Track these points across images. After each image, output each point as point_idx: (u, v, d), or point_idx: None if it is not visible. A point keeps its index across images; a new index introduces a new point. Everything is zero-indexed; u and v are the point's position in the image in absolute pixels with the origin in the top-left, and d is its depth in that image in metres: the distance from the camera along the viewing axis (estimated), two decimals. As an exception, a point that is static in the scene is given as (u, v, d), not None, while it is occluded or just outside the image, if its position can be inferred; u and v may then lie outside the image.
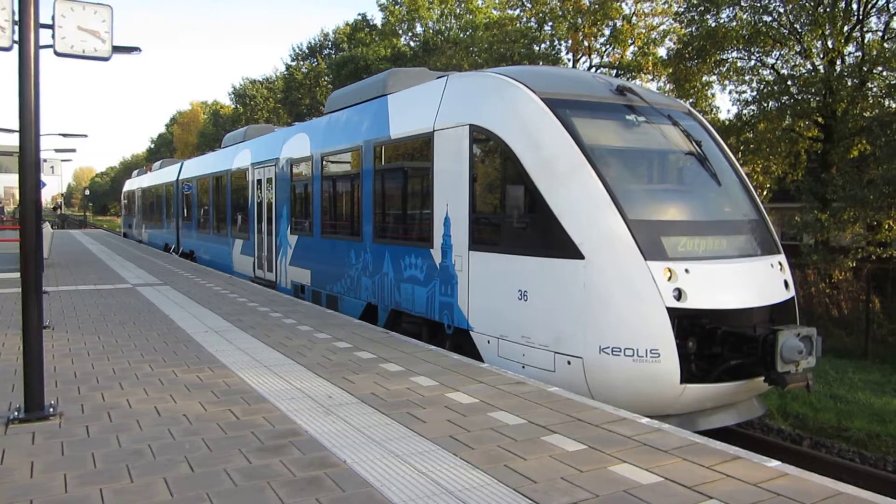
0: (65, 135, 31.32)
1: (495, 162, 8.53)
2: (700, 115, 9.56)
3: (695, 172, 8.41)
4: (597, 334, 7.02)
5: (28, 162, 5.44)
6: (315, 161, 13.32)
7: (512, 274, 7.90)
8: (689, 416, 7.23)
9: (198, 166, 23.93)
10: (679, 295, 6.91)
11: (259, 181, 16.62)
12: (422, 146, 9.75)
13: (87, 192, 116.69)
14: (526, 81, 8.39)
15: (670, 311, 6.84)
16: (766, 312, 7.57)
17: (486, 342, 8.34)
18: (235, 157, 18.93)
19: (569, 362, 7.22)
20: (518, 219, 7.66)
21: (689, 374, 6.91)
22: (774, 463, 4.68)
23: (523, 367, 7.66)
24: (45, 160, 22.23)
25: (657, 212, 7.76)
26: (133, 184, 39.64)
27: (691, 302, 6.93)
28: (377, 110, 11.23)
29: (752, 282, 7.58)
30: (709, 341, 7.12)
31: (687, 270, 7.04)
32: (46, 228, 20.40)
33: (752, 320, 7.37)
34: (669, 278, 6.94)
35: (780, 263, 8.09)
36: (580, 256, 7.17)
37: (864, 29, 22.63)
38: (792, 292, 8.03)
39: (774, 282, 7.82)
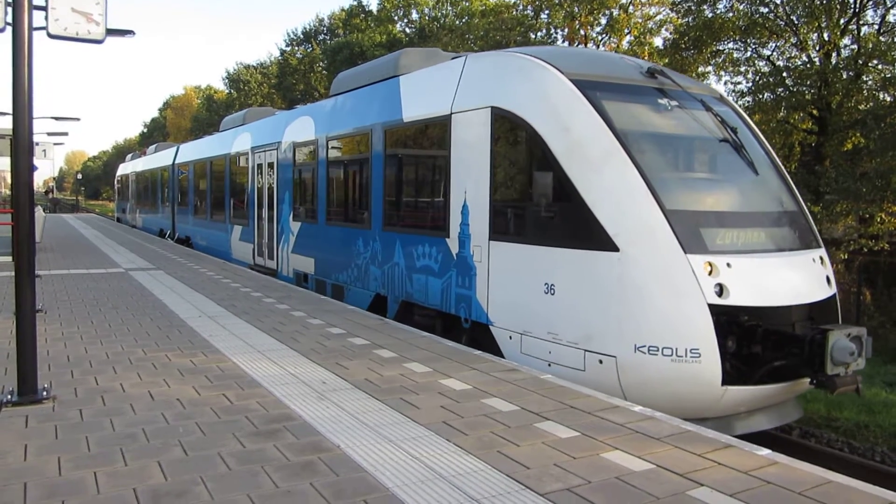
0: (57, 118, 31.13)
1: (520, 147, 8.01)
2: (732, 101, 9.06)
3: (732, 161, 7.95)
4: (632, 332, 6.60)
5: (21, 145, 5.42)
6: (320, 145, 12.84)
7: (537, 266, 7.45)
8: (727, 420, 6.85)
9: (195, 150, 23.41)
10: (720, 291, 6.51)
11: (259, 166, 16.15)
12: (437, 130, 9.31)
13: (80, 177, 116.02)
14: (553, 62, 7.91)
15: (712, 307, 6.43)
16: (808, 310, 7.16)
17: (507, 338, 7.90)
18: (234, 140, 18.44)
19: (600, 361, 6.80)
20: (545, 207, 7.20)
21: (731, 375, 6.50)
22: (765, 451, 4.72)
23: (549, 364, 7.24)
24: (37, 144, 22.08)
25: (695, 202, 7.34)
26: (127, 168, 38.98)
27: (733, 298, 6.53)
28: (388, 92, 10.70)
29: (794, 277, 7.18)
30: (751, 341, 6.69)
31: (728, 265, 6.64)
32: (38, 212, 20.34)
33: (794, 318, 7.00)
34: (710, 273, 6.55)
35: (822, 258, 7.69)
36: (614, 248, 6.72)
37: (860, 22, 22.65)
38: (834, 289, 7.64)
39: (817, 277, 7.42)
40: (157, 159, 29.29)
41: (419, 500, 3.83)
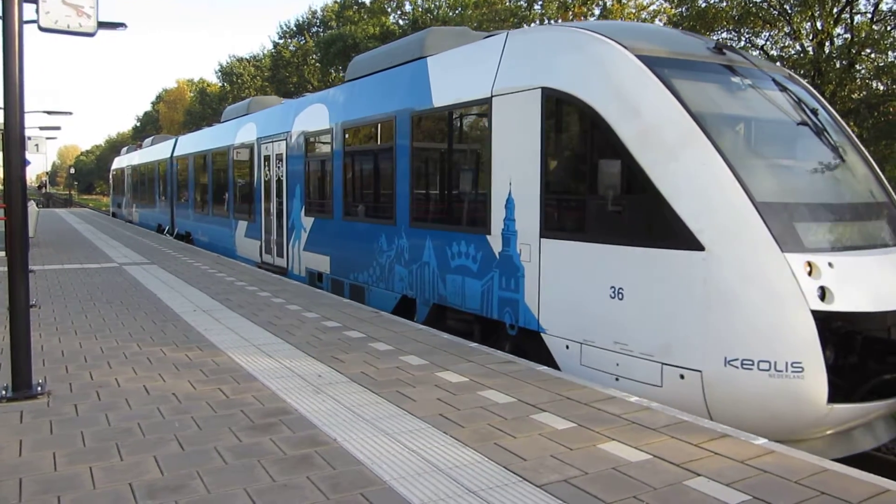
0: (49, 112, 30.89)
1: (579, 132, 7.18)
2: (804, 81, 8.35)
3: (816, 146, 7.15)
4: (722, 343, 5.73)
5: (13, 139, 5.38)
6: (335, 134, 11.91)
7: (602, 267, 6.59)
8: (826, 440, 6.07)
9: (195, 142, 22.37)
10: (823, 294, 5.67)
11: (267, 157, 15.21)
12: (475, 115, 8.54)
13: (73, 171, 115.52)
14: (613, 36, 7.03)
15: (815, 314, 5.58)
16: None
17: (562, 347, 7.03)
18: (238, 131, 17.50)
19: (682, 376, 5.92)
20: (612, 200, 6.37)
21: (837, 391, 5.64)
22: (761, 441, 4.73)
23: (616, 378, 6.40)
24: (29, 138, 21.96)
25: (786, 192, 6.45)
26: (122, 161, 37.90)
27: (838, 303, 5.68)
28: (414, 75, 9.77)
29: None
30: (858, 352, 5.85)
31: (830, 264, 5.80)
32: (32, 207, 20.26)
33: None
34: (811, 273, 5.71)
35: None
36: (699, 247, 5.85)
37: (853, 10, 22.63)
38: None
39: None
40: (154, 152, 28.39)
41: (416, 493, 3.83)
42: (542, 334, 7.30)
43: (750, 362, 5.66)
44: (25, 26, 5.57)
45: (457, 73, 8.98)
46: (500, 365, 6.62)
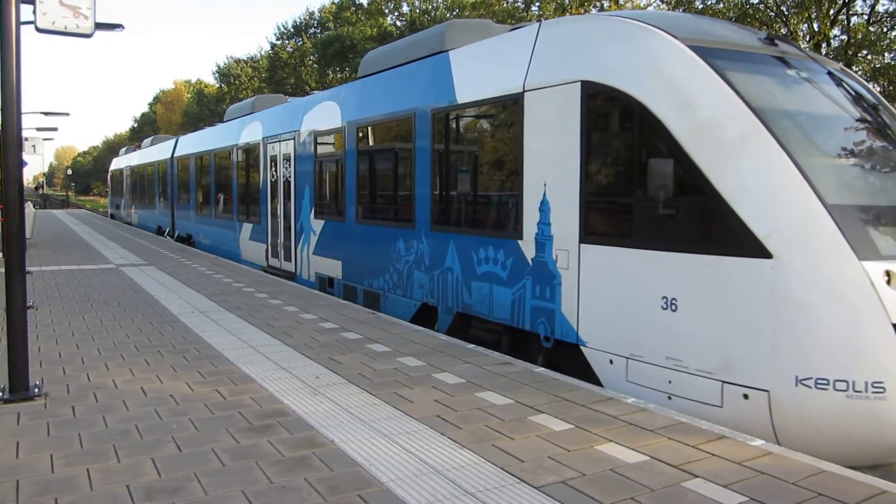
0: (46, 113, 30.84)
1: (626, 128, 6.61)
2: (857, 76, 8.01)
3: (881, 145, 6.64)
4: (793, 360, 5.23)
5: (10, 140, 5.38)
6: (348, 133, 11.30)
7: (652, 275, 6.05)
8: None
9: (196, 142, 21.74)
10: None
11: (273, 157, 14.61)
12: (504, 111, 8.01)
13: (70, 172, 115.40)
14: (660, 25, 6.55)
15: None
16: None
17: (606, 362, 6.49)
18: (243, 130, 16.88)
19: (745, 396, 5.40)
20: (665, 203, 5.88)
21: None
22: (758, 442, 4.74)
23: (669, 397, 5.87)
24: (26, 139, 21.90)
25: (856, 194, 5.97)
26: (121, 162, 37.13)
27: None
28: (435, 70, 9.23)
29: None
30: None
31: None
32: (29, 208, 20.25)
33: None
34: (889, 283, 5.21)
35: None
36: (765, 254, 5.34)
37: (850, 12, 22.72)
38: None
39: None
40: (154, 153, 27.77)
41: (414, 495, 3.83)
42: (581, 347, 6.76)
43: (825, 382, 5.15)
44: (22, 27, 5.55)
45: (483, 67, 8.48)
46: (497, 366, 6.62)
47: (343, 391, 5.76)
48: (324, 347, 7.32)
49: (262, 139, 15.27)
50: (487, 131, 8.59)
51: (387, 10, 50.99)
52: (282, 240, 14.21)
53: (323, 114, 12.47)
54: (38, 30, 5.78)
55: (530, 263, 7.36)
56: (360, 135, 11.06)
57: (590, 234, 6.71)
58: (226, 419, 5.04)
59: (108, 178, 44.43)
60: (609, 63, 6.66)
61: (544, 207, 7.18)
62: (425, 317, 9.25)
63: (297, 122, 13.50)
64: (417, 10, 48.36)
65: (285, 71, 57.56)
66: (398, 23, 50.34)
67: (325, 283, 12.20)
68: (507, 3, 35.15)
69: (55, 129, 31.74)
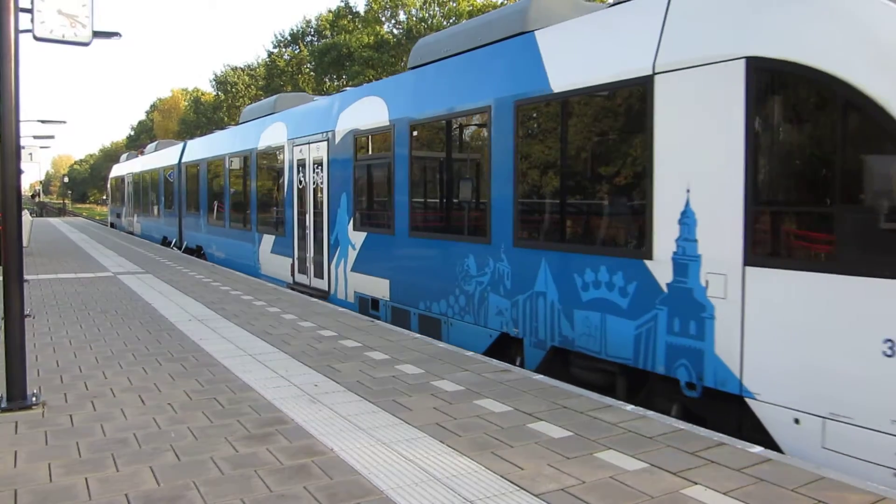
0: (43, 121, 30.91)
1: (821, 116, 5.25)
2: None
3: None
4: None
5: (8, 148, 5.38)
6: (397, 132, 9.87)
7: (867, 310, 4.65)
8: None
9: (207, 147, 20.34)
10: None
11: (301, 162, 13.22)
12: (624, 99, 6.60)
13: (66, 180, 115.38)
14: None
15: None
16: None
17: (787, 420, 5.11)
18: (263, 132, 15.40)
19: None
20: (889, 215, 4.59)
21: None
22: (757, 449, 4.73)
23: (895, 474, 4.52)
24: (23, 147, 21.85)
25: None
26: (122, 168, 35.46)
27: None
28: (518, 54, 7.86)
29: None
30: None
31: None
32: (26, 216, 20.21)
33: None
34: None
35: None
36: None
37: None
38: None
39: None
40: (159, 158, 26.21)
41: (414, 503, 3.82)
42: (747, 400, 5.39)
43: None
44: (21, 35, 5.56)
45: (586, 48, 7.08)
46: (496, 374, 6.62)
47: (342, 399, 5.75)
48: (322, 355, 7.30)
49: (288, 141, 13.88)
50: (595, 125, 7.01)
51: (383, 19, 51.14)
52: (311, 254, 12.83)
53: (364, 111, 11.03)
54: (37, 38, 5.80)
55: (664, 290, 5.99)
56: (414, 133, 9.68)
57: (761, 254, 5.30)
58: (224, 427, 5.03)
59: (108, 185, 43.02)
60: (790, 32, 5.20)
61: (686, 219, 5.79)
62: (503, 349, 7.95)
63: (330, 121, 12.09)
64: (414, 19, 48.51)
65: (282, 79, 57.66)
66: (395, 31, 50.48)
67: (368, 305, 10.79)
68: (504, 11, 35.24)
69: (52, 137, 31.78)
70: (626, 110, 6.63)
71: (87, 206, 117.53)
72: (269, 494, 3.89)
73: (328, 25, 56.38)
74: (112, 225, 38.48)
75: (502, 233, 7.89)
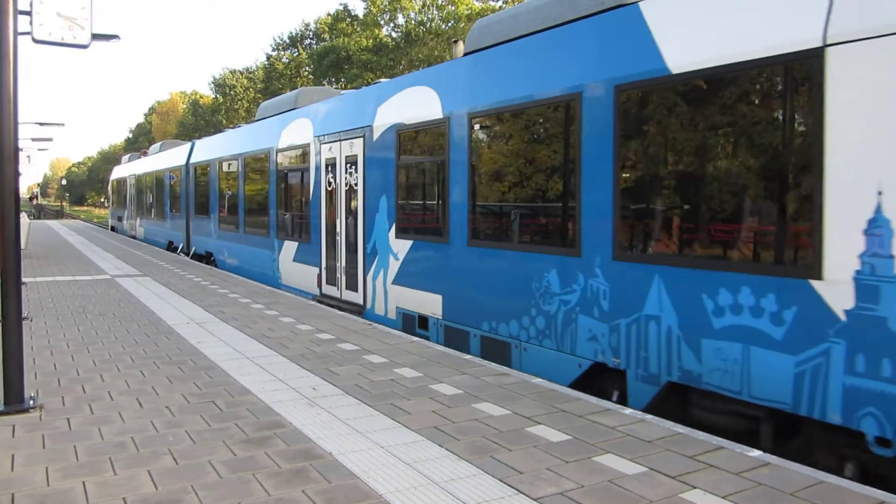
0: (41, 123, 30.91)
1: None
2: None
3: None
4: None
5: (6, 151, 5.37)
6: (454, 126, 8.71)
7: None
8: None
9: (219, 146, 19.16)
10: None
11: (330, 161, 12.05)
12: (775, 79, 5.47)
13: (64, 182, 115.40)
14: None
15: None
16: None
17: None
18: (284, 129, 14.25)
19: None
20: None
21: None
22: (756, 453, 4.73)
23: None
24: (21, 149, 21.80)
25: None
26: (125, 170, 33.91)
27: None
28: (617, 31, 6.72)
29: None
30: None
31: None
32: (24, 219, 20.18)
33: None
34: None
35: None
36: None
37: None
38: None
39: None
40: (165, 159, 25.03)
41: (412, 507, 3.81)
42: None
43: None
44: (19, 38, 5.55)
45: (711, 17, 5.88)
46: (494, 377, 6.61)
47: (340, 402, 5.74)
48: (320, 358, 7.29)
49: (314, 138, 12.68)
50: (732, 110, 5.76)
51: (382, 22, 51.19)
52: (342, 263, 11.62)
53: (410, 103, 9.84)
54: (35, 41, 5.79)
55: (841, 318, 4.85)
56: (476, 127, 8.48)
57: None
58: (222, 431, 5.01)
59: (109, 187, 41.65)
60: None
61: (878, 228, 4.67)
62: (595, 381, 6.86)
63: (367, 115, 10.91)
64: (413, 22, 48.54)
65: (280, 82, 57.72)
66: (394, 34, 50.53)
67: (413, 323, 9.63)
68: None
69: (50, 140, 31.76)
70: (778, 92, 5.47)
71: (85, 208, 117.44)
72: (268, 498, 3.88)
73: (327, 28, 56.48)
74: (113, 229, 37.47)
75: (597, 243, 6.71)
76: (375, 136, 10.55)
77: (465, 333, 8.59)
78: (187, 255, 20.97)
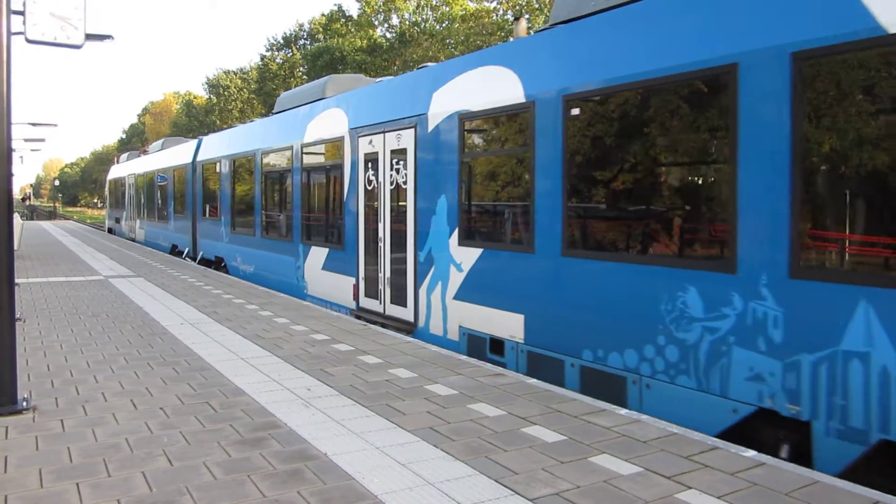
0: (34, 124, 30.75)
1: None
2: None
3: None
4: None
5: (0, 152, 5.34)
6: (543, 112, 7.28)
7: None
8: None
9: (231, 142, 17.61)
10: None
11: (371, 156, 10.56)
12: None
13: (57, 183, 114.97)
14: None
15: None
16: None
17: None
18: (310, 122, 12.71)
19: None
20: None
21: None
22: (751, 453, 4.74)
23: None
24: (14, 150, 21.71)
25: None
26: (123, 169, 32.25)
27: None
28: None
29: None
30: None
31: None
32: (17, 220, 20.08)
33: None
34: None
35: None
36: None
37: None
38: None
39: None
40: (168, 157, 23.61)
41: (408, 507, 3.81)
42: None
43: None
44: (12, 38, 5.53)
45: None
46: (489, 378, 6.60)
47: (335, 403, 5.73)
48: (315, 359, 7.28)
49: (350, 131, 11.16)
50: None
51: (376, 23, 51.18)
52: (385, 273, 10.21)
53: (479, 87, 8.39)
54: (28, 41, 5.78)
55: None
56: (573, 112, 7.01)
57: None
58: (217, 432, 5.00)
59: (106, 187, 39.71)
60: None
61: None
62: (756, 430, 5.43)
63: (419, 102, 9.45)
64: (407, 23, 48.55)
65: (275, 82, 57.65)
66: (388, 35, 50.52)
67: (484, 346, 8.17)
68: (497, 15, 35.33)
69: (42, 140, 31.65)
70: None
71: (78, 209, 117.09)
72: (263, 499, 3.87)
73: (321, 29, 56.42)
74: (110, 230, 35.75)
75: (762, 255, 5.26)
76: (431, 127, 9.10)
77: (558, 362, 7.13)
78: (194, 259, 19.81)
